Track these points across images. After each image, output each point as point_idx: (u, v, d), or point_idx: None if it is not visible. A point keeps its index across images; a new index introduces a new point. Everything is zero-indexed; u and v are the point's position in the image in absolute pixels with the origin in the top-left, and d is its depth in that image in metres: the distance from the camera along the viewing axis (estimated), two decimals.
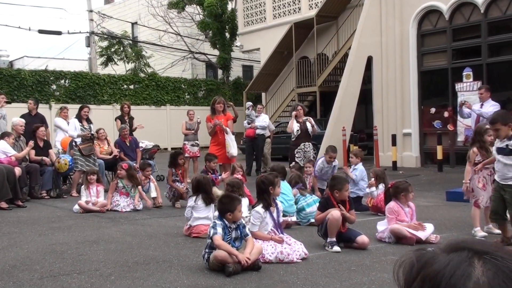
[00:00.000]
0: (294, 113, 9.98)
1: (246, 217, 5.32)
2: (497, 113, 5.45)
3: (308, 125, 9.91)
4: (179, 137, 13.07)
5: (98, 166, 9.96)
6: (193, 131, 12.50)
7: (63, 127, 11.02)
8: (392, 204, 5.89)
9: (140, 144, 11.90)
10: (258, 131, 13.60)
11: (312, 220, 6.68)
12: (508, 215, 5.43)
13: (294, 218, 6.05)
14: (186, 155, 12.25)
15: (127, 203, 8.17)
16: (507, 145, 5.08)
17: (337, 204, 5.52)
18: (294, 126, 10.02)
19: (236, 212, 4.69)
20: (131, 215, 7.75)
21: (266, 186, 5.22)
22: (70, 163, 9.85)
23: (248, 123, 13.88)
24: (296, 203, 6.93)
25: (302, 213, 6.90)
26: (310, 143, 10.00)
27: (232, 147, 9.36)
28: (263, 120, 13.75)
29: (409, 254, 0.85)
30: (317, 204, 6.94)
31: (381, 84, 14.93)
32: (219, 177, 8.79)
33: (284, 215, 6.14)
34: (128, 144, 11.20)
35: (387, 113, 14.78)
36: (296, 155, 9.90)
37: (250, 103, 14.80)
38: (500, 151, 5.14)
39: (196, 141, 12.52)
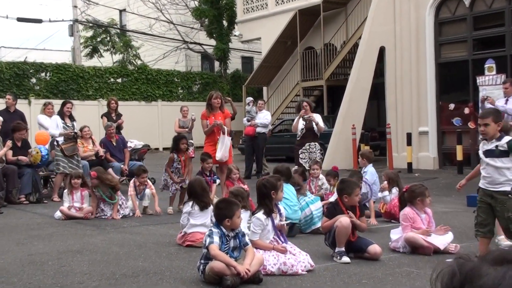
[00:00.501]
0: (302, 112, 9.93)
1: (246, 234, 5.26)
2: (491, 109, 5.43)
3: (313, 122, 9.89)
4: (172, 135, 13.04)
5: (82, 168, 9.95)
6: (187, 130, 12.49)
7: (45, 124, 10.99)
8: (407, 210, 5.88)
9: (129, 144, 11.90)
10: (258, 129, 13.60)
11: (317, 226, 6.64)
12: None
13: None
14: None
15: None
16: (496, 146, 5.03)
17: (346, 210, 5.51)
18: (299, 124, 9.98)
19: (235, 218, 4.67)
20: (118, 223, 7.74)
21: (267, 190, 5.21)
22: (44, 152, 9.83)
23: (248, 120, 13.88)
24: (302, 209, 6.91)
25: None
26: (316, 143, 9.96)
27: (219, 151, 9.26)
28: (264, 117, 13.75)
29: (449, 263, 0.84)
30: (315, 203, 6.93)
31: (395, 77, 14.91)
32: (217, 180, 8.76)
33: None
34: (114, 144, 11.20)
35: (402, 109, 14.77)
36: (300, 156, 9.86)
37: (250, 98, 14.82)
38: (489, 153, 5.08)
39: (191, 141, 12.53)
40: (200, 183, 6.28)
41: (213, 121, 9.33)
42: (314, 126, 9.89)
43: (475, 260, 0.84)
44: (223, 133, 9.26)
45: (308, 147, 9.85)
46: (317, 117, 10.08)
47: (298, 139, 10.00)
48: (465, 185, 5.72)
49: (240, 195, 5.87)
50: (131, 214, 8.23)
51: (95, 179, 8.08)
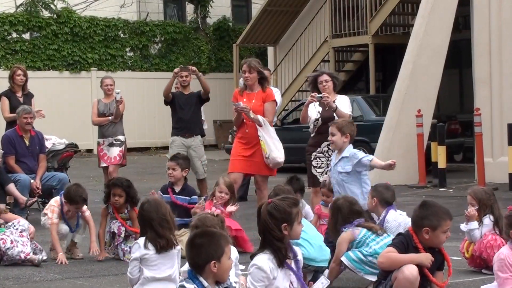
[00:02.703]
0: (311, 97, 9.94)
1: (235, 283, 5.30)
2: None
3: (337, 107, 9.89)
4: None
5: None
6: (110, 118, 12.38)
7: None
8: (505, 252, 5.87)
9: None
10: None
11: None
12: None
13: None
14: (103, 164, 12.32)
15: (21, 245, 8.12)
16: None
17: (424, 250, 5.55)
18: (310, 111, 10.00)
19: (225, 259, 4.65)
20: (26, 273, 7.71)
21: (278, 222, 5.17)
22: None
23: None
24: (357, 246, 6.78)
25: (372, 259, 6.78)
26: None
27: (273, 148, 9.54)
28: None
29: None
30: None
31: (489, 32, 14.89)
32: (197, 200, 8.81)
33: (304, 266, 6.06)
34: (27, 143, 11.07)
35: (500, 86, 14.75)
36: (313, 164, 9.93)
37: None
38: None
39: (119, 137, 12.46)
40: (156, 207, 6.20)
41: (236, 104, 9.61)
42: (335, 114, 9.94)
43: None
44: (259, 124, 9.50)
45: (326, 148, 9.91)
46: (342, 100, 10.09)
47: (312, 135, 10.11)
48: None
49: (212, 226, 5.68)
50: (44, 257, 8.22)
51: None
